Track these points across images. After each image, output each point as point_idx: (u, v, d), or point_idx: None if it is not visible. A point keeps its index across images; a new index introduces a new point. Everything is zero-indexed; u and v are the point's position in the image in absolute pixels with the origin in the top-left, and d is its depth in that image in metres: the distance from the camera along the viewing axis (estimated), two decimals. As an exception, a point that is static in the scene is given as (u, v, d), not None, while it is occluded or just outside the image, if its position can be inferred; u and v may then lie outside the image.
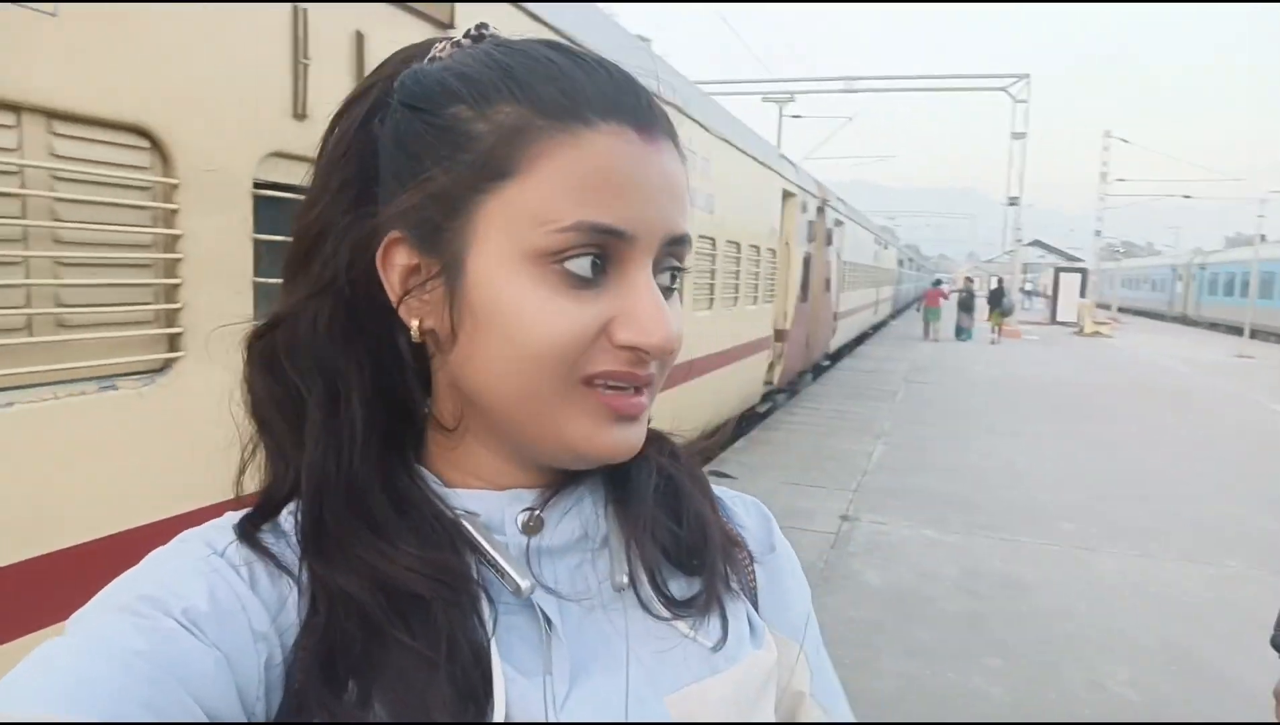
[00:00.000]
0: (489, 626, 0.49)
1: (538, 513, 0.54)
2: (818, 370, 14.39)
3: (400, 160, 0.51)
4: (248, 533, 0.50)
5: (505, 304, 0.48)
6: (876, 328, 26.32)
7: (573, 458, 0.51)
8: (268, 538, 0.50)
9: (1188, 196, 43.44)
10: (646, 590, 0.55)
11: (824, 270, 13.49)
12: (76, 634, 0.43)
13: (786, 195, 10.35)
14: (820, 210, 12.90)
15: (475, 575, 0.51)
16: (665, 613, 0.55)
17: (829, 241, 13.78)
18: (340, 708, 0.45)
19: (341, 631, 0.47)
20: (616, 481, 0.58)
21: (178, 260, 1.99)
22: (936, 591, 4.59)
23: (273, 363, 0.53)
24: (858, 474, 7.07)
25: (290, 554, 0.50)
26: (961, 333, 23.10)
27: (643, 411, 0.51)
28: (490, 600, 0.50)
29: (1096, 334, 25.78)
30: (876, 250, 23.93)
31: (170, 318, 2.01)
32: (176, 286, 2.00)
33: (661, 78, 0.56)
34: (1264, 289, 29.70)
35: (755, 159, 8.59)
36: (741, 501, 0.68)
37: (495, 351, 0.49)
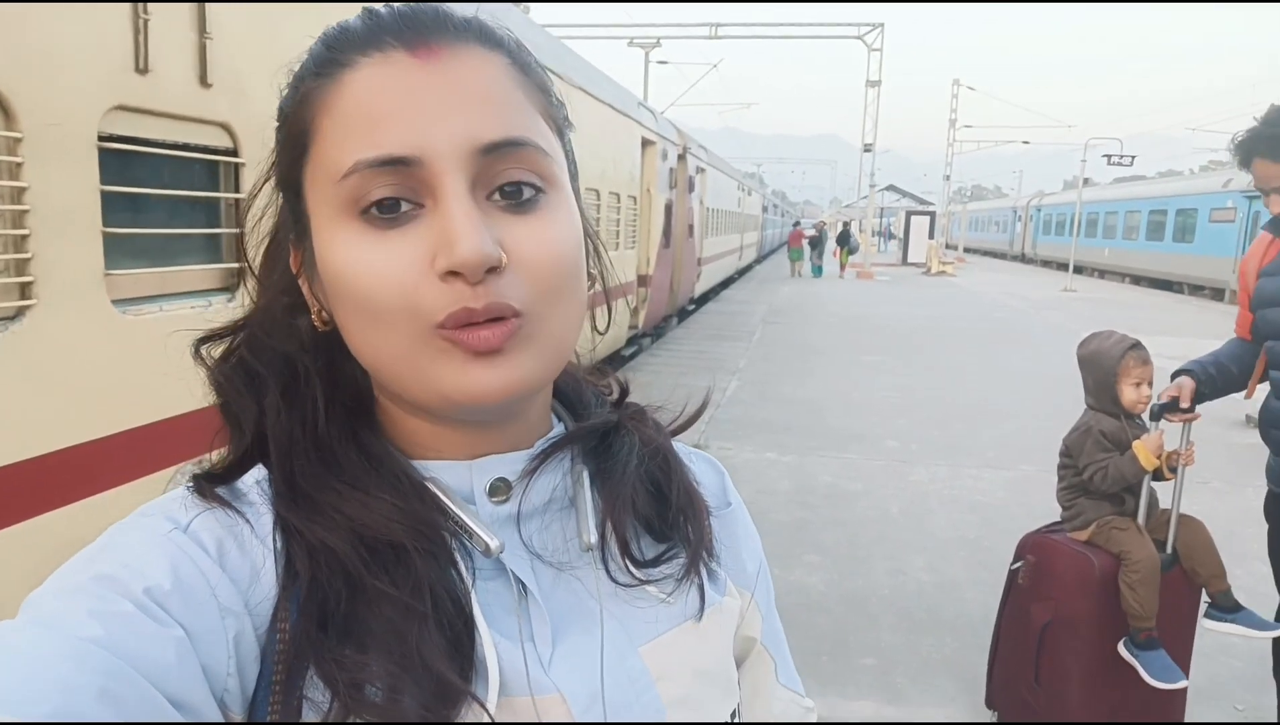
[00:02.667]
0: (467, 581, 0.50)
1: (507, 479, 0.54)
2: (683, 314, 14.93)
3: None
4: (209, 497, 0.50)
5: (338, 270, 0.48)
6: (743, 272, 27.28)
7: (453, 407, 0.49)
8: (236, 509, 0.50)
9: (1026, 142, 46.61)
10: (616, 554, 0.56)
11: (686, 216, 13.93)
12: (28, 620, 0.41)
13: (646, 143, 10.64)
14: (681, 157, 13.27)
15: (450, 534, 0.51)
16: (634, 577, 0.56)
17: (691, 188, 14.20)
18: (342, 659, 0.45)
19: (325, 588, 0.47)
20: (600, 452, 0.59)
21: (24, 211, 2.09)
22: (771, 504, 5.12)
23: (231, 354, 0.55)
24: (712, 408, 7.58)
25: (264, 521, 0.50)
26: (815, 269, 26.83)
27: (500, 342, 0.47)
28: (470, 564, 0.51)
29: (942, 273, 27.62)
30: (740, 196, 24.71)
31: (20, 267, 2.11)
32: (25, 237, 2.10)
33: (510, 26, 0.53)
34: (1088, 229, 32.49)
35: (613, 107, 8.81)
36: (699, 458, 0.69)
37: (350, 317, 0.49)
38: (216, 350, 0.55)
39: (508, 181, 0.48)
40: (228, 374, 0.54)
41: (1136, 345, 2.70)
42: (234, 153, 2.88)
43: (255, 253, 0.56)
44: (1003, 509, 5.15)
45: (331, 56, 0.48)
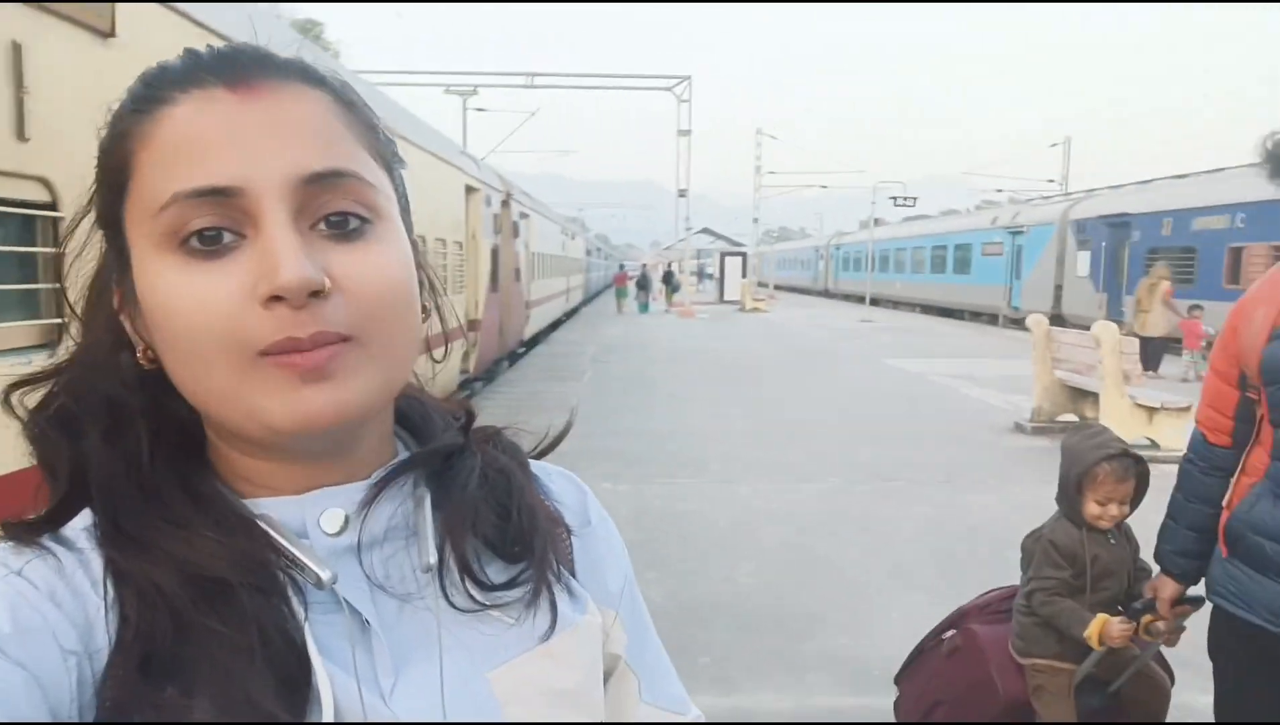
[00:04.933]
0: (300, 615, 0.49)
1: (343, 512, 0.53)
2: (514, 357, 15.06)
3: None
4: (31, 546, 0.49)
5: (158, 303, 0.48)
6: (570, 313, 27.75)
7: (282, 436, 0.49)
8: (64, 555, 0.49)
9: (824, 186, 50.42)
10: (456, 578, 0.55)
11: (513, 261, 14.15)
12: None
13: (470, 190, 10.82)
14: (505, 203, 13.52)
15: (280, 572, 0.50)
16: (477, 602, 0.55)
17: (516, 233, 14.46)
18: (163, 702, 0.44)
19: (152, 629, 0.46)
20: (441, 474, 0.58)
21: None
22: (611, 530, 5.37)
23: (50, 401, 0.53)
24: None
25: (94, 566, 0.49)
26: (641, 306, 29.25)
27: (326, 363, 0.47)
28: (303, 598, 0.50)
29: (756, 310, 29.29)
30: (564, 240, 25.29)
31: None
32: None
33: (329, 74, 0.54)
34: (881, 264, 35.57)
35: (435, 155, 8.95)
36: (560, 477, 0.69)
37: (171, 351, 0.49)
38: (32, 399, 0.54)
39: (332, 212, 0.49)
40: (43, 423, 0.53)
41: (1119, 456, 2.28)
42: (53, 206, 2.84)
43: (77, 296, 0.55)
44: (816, 516, 5.68)
45: (150, 94, 0.49)
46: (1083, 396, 8.23)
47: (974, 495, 6.19)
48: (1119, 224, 19.24)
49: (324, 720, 0.46)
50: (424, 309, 0.57)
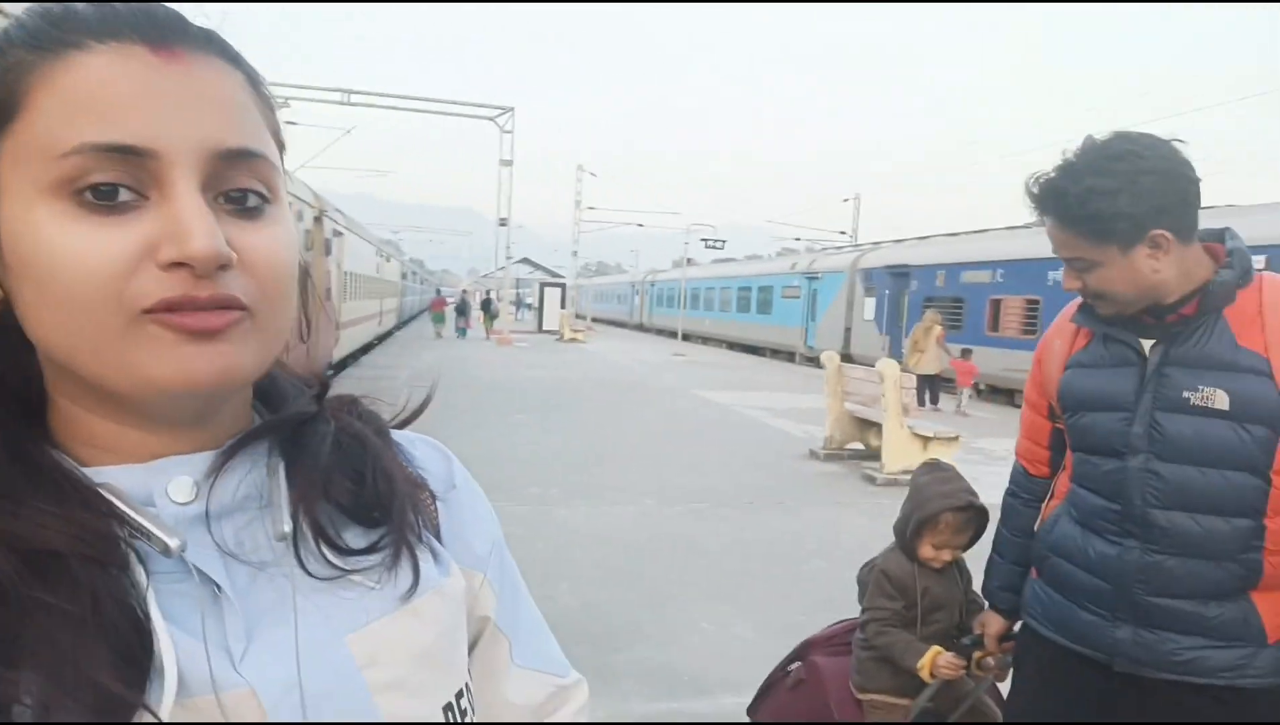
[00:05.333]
0: (142, 585, 0.47)
1: (191, 479, 0.52)
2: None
3: None
4: None
5: (32, 248, 0.46)
6: (383, 337, 26.84)
7: (163, 395, 0.48)
8: None
9: (641, 225, 52.07)
10: (311, 545, 0.55)
11: (324, 280, 13.60)
12: None
13: (281, 203, 10.34)
14: (318, 220, 13.01)
15: (123, 542, 0.48)
16: (334, 568, 0.55)
17: (328, 251, 13.93)
18: None
19: None
20: (292, 442, 0.57)
21: None
22: (429, 552, 5.33)
23: None
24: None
25: None
26: (460, 332, 29.78)
27: (222, 327, 0.47)
28: (146, 568, 0.48)
29: (574, 340, 29.67)
30: (379, 262, 24.51)
31: None
32: None
33: None
34: (692, 302, 37.13)
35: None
36: (423, 443, 0.69)
37: (41, 301, 0.47)
38: None
39: (235, 187, 0.49)
40: None
41: (963, 508, 2.26)
42: None
43: None
44: (630, 536, 5.91)
45: (57, 35, 0.47)
46: (868, 426, 9.06)
47: (773, 515, 6.67)
48: (900, 274, 21.29)
49: (166, 689, 0.45)
50: None
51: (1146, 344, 1.63)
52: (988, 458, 9.23)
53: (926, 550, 2.30)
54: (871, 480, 8.11)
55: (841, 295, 24.06)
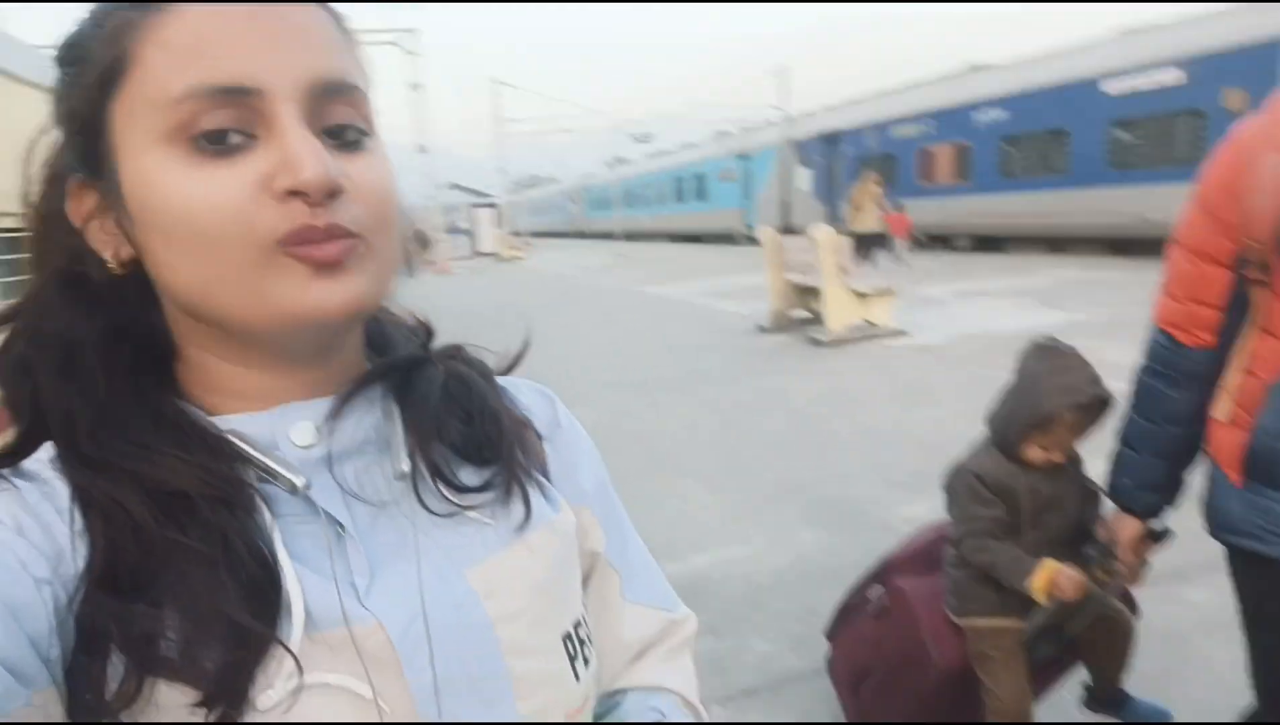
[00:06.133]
0: (268, 525, 0.50)
1: (312, 424, 0.54)
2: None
3: (59, 115, 0.51)
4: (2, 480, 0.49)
5: (158, 198, 0.47)
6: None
7: (296, 326, 0.49)
8: (27, 488, 0.49)
9: (568, 131, 50.73)
10: (429, 483, 0.56)
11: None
12: None
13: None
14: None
15: (249, 485, 0.51)
16: (451, 505, 0.57)
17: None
18: (132, 616, 0.45)
19: (119, 547, 0.47)
20: (403, 386, 0.59)
21: None
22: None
23: (11, 343, 0.53)
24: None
25: (60, 496, 0.49)
26: None
27: (343, 258, 0.48)
28: (271, 510, 0.51)
29: (514, 258, 29.23)
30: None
31: None
32: None
33: None
34: (628, 201, 36.63)
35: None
36: (527, 388, 0.71)
37: (172, 249, 0.48)
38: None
39: (335, 123, 0.50)
40: (4, 365, 0.53)
41: (1092, 405, 1.81)
42: None
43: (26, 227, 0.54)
44: (591, 428, 5.85)
45: None
46: (811, 293, 9.09)
47: (727, 390, 6.71)
48: (831, 140, 21.14)
49: (295, 624, 0.47)
50: None
51: None
52: (928, 302, 9.35)
53: (1034, 452, 1.87)
54: (818, 343, 8.18)
55: (775, 170, 23.89)
